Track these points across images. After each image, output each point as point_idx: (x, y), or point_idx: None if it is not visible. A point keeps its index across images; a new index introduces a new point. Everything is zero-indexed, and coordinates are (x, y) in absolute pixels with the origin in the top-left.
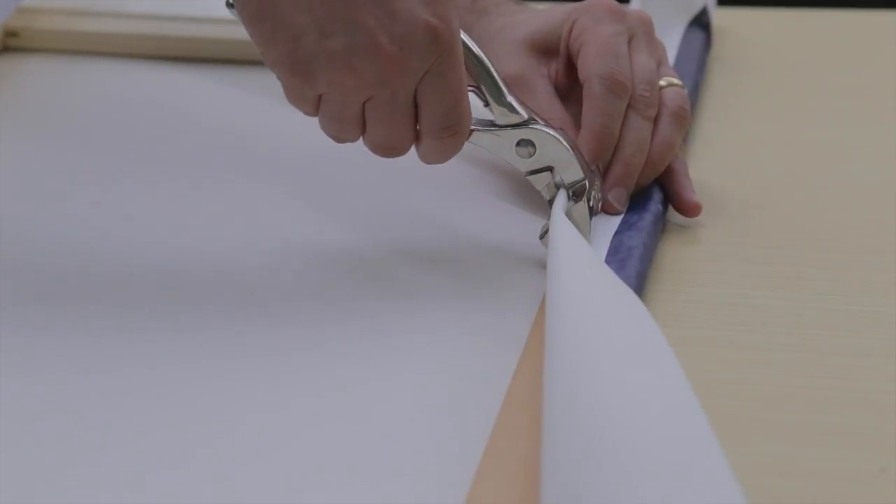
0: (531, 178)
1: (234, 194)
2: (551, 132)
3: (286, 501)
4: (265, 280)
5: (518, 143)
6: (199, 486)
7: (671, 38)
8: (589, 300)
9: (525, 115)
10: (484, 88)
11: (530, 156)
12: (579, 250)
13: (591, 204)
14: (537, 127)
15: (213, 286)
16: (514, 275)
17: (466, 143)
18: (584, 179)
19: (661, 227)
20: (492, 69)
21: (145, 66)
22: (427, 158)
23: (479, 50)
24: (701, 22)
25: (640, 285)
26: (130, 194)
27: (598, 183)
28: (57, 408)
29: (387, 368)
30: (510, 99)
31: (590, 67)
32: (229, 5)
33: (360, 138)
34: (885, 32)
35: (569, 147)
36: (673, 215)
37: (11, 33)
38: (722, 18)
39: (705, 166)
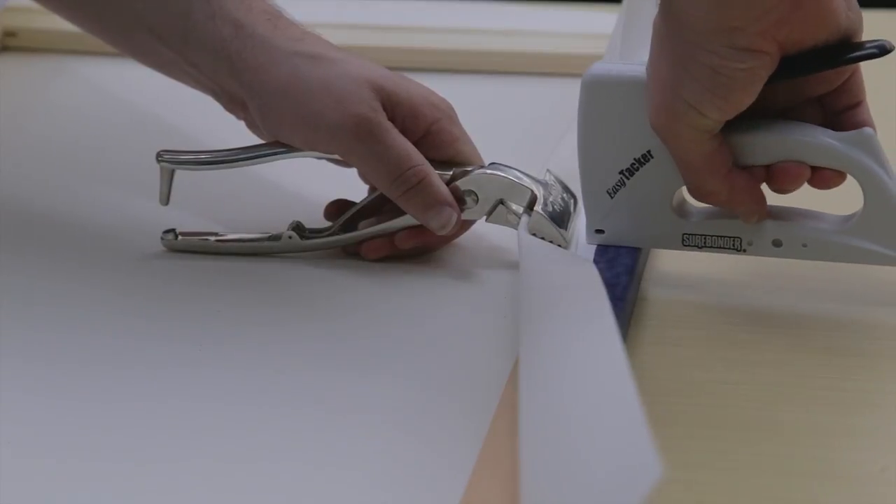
0: (491, 221)
1: (232, 191)
2: (480, 171)
3: (278, 501)
4: (260, 278)
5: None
6: (195, 487)
7: None
8: (545, 301)
9: (447, 173)
10: None
11: (476, 202)
12: (538, 257)
13: (550, 209)
14: (467, 172)
15: (211, 285)
16: (513, 276)
17: None
18: (532, 193)
19: None
20: None
21: (145, 66)
22: None
23: None
24: None
25: (630, 282)
26: (130, 193)
27: (556, 183)
28: (55, 408)
29: (382, 369)
30: None
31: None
32: None
33: None
34: (885, 33)
35: (504, 173)
36: None
37: (10, 33)
38: None
39: None
